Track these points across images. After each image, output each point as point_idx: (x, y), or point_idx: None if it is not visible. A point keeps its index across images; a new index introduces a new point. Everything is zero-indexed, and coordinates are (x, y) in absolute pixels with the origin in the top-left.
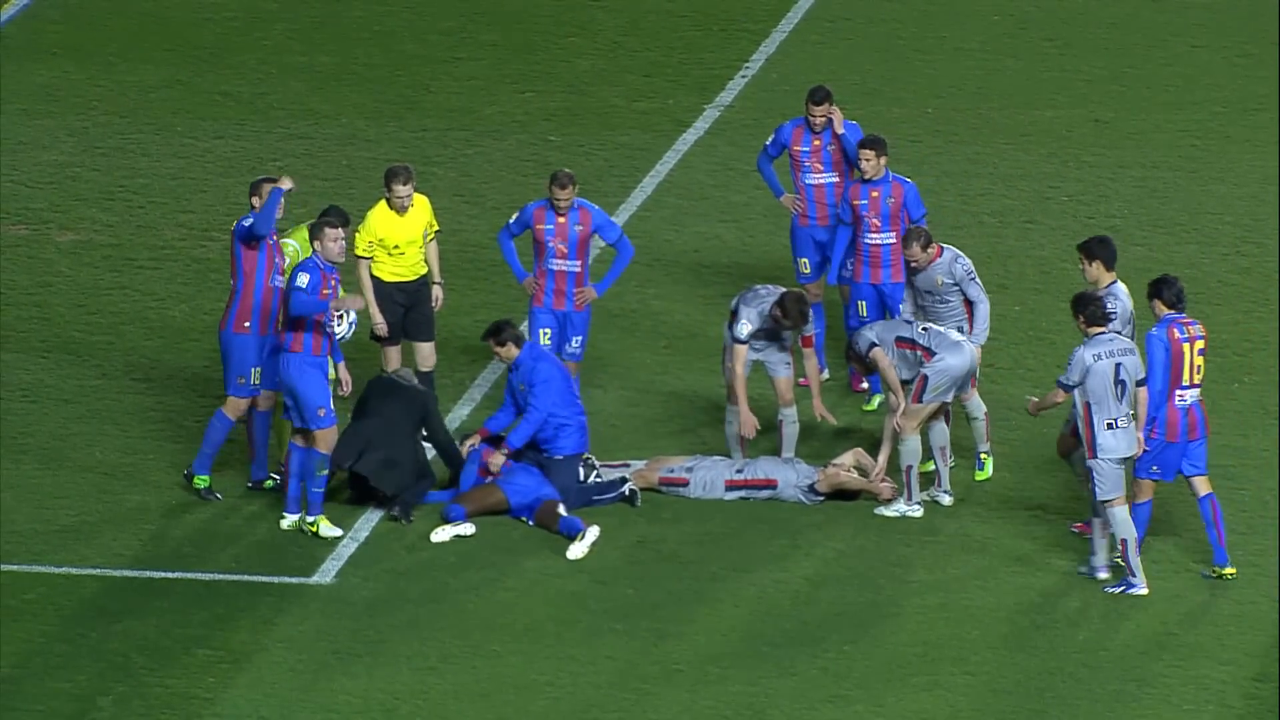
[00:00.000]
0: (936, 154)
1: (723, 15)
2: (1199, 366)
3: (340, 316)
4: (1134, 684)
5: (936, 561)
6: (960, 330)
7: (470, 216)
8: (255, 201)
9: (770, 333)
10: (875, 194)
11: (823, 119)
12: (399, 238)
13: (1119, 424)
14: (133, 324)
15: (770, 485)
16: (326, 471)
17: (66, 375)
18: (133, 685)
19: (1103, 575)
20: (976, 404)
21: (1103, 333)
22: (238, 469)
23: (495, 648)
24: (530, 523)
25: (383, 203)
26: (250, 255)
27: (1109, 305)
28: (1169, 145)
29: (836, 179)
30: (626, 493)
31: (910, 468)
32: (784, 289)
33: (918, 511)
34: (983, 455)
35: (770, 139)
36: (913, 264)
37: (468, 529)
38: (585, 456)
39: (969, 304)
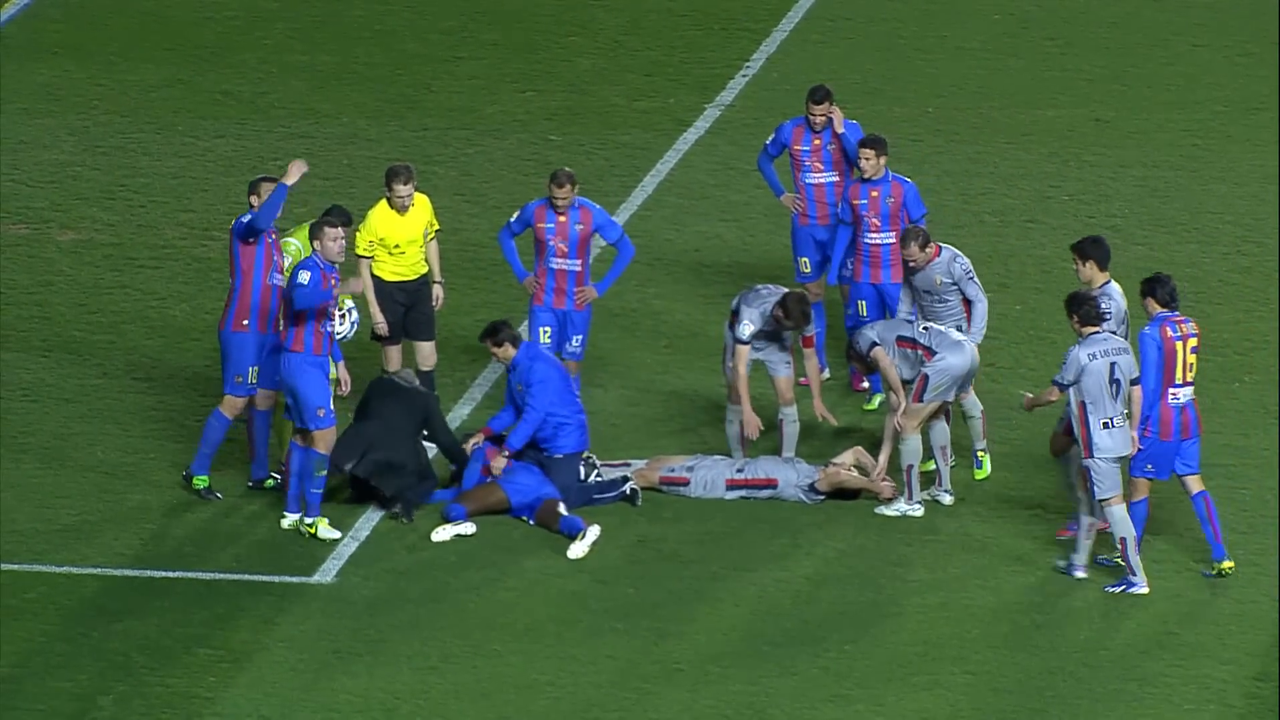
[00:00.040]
0: (937, 153)
1: (724, 14)
2: (1192, 364)
3: (343, 316)
4: (1135, 683)
5: (937, 561)
6: (959, 329)
7: (471, 216)
8: (254, 201)
9: (771, 332)
10: (875, 194)
11: (823, 118)
12: (400, 237)
13: (1115, 423)
14: (134, 323)
15: (771, 484)
16: (325, 472)
17: (67, 374)
18: (133, 684)
19: (1079, 575)
20: (973, 402)
21: (1097, 332)
22: (238, 469)
23: (496, 647)
24: (531, 522)
25: (383, 202)
26: (248, 252)
27: (1103, 305)
28: (1170, 145)
29: (837, 178)
30: (628, 492)
31: (911, 467)
32: (785, 289)
33: (918, 511)
34: (979, 453)
35: (771, 138)
36: (911, 264)
37: (468, 528)
38: (586, 455)
39: (968, 303)
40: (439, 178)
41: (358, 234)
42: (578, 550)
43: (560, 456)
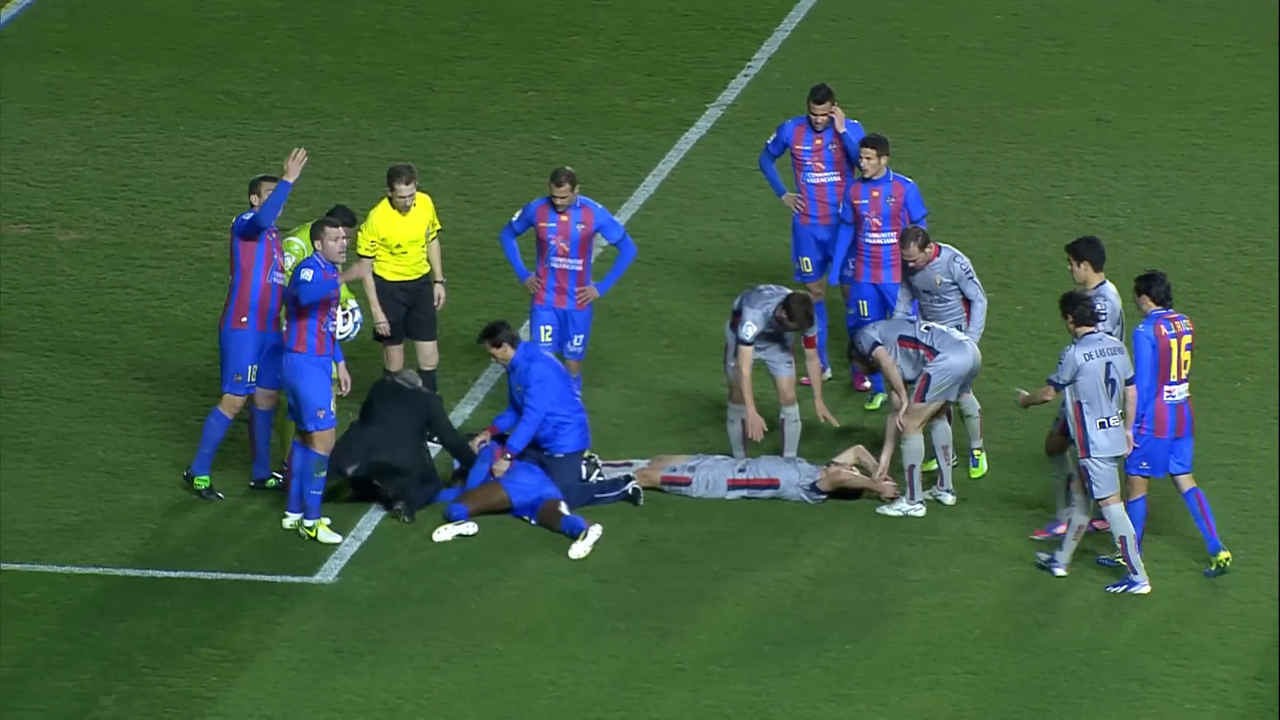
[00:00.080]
0: (939, 153)
1: (725, 14)
2: (1186, 362)
3: (346, 315)
4: (1136, 683)
5: (939, 560)
6: (959, 329)
7: (472, 215)
8: (254, 200)
9: (773, 333)
10: (876, 193)
11: (824, 118)
12: (401, 237)
13: (1111, 423)
14: (135, 323)
15: (772, 484)
16: (324, 474)
17: (69, 374)
18: (135, 684)
19: (1059, 572)
20: (970, 401)
21: (1092, 332)
22: (239, 468)
23: (498, 646)
24: (533, 522)
25: (385, 202)
26: (248, 250)
27: (1098, 305)
28: (1171, 144)
29: (838, 178)
30: (629, 491)
31: (913, 467)
32: (787, 289)
33: (920, 510)
34: (976, 452)
35: (772, 138)
36: (910, 264)
37: (470, 528)
38: (588, 455)
39: (967, 303)
40: (441, 177)
41: (359, 234)
42: (579, 550)
43: (561, 456)
